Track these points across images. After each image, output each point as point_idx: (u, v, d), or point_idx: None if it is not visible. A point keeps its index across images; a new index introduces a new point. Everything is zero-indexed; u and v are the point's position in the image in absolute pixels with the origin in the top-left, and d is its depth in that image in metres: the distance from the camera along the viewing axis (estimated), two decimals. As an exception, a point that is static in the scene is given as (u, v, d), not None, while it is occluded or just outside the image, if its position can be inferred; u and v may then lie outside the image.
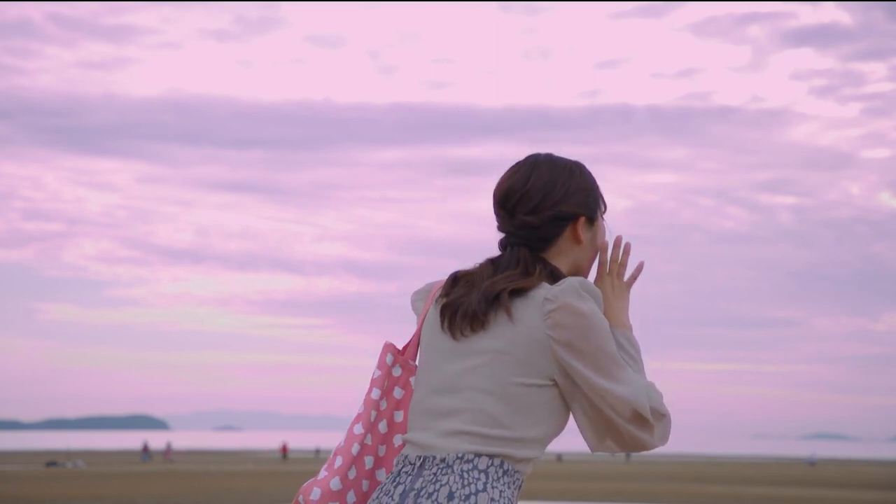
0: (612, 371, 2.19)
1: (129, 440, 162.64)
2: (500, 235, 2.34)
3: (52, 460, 61.81)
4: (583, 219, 2.31)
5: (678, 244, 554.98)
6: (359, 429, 2.31)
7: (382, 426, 2.36)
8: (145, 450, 69.41)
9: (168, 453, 70.66)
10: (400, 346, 2.41)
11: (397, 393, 2.38)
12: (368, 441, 2.33)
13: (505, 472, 2.16)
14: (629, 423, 2.20)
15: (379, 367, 2.37)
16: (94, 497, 27.36)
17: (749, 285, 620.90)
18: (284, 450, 74.99)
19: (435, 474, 2.16)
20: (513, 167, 2.35)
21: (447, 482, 2.14)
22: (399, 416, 2.37)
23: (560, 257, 2.31)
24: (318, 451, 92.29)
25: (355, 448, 2.30)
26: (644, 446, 2.24)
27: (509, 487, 2.17)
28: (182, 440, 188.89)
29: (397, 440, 2.36)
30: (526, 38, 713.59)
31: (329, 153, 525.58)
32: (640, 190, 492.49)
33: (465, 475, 2.14)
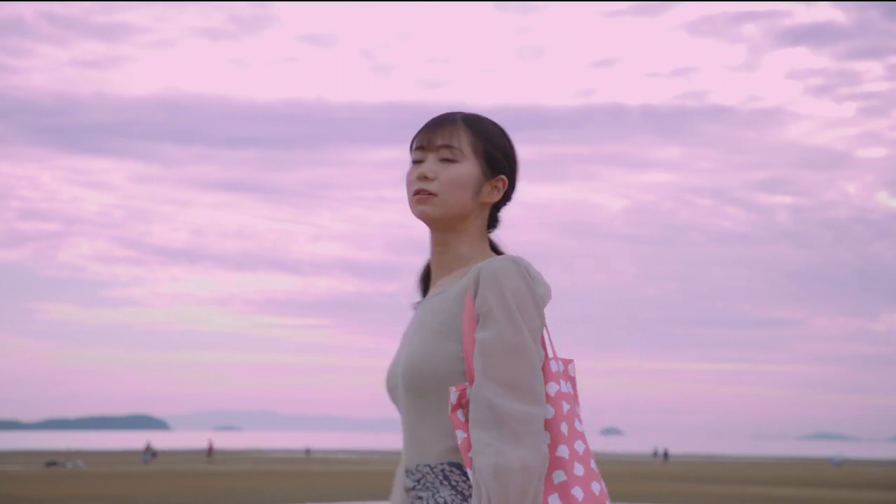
0: None
1: (129, 440, 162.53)
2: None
3: (52, 460, 61.77)
4: None
5: (676, 244, 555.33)
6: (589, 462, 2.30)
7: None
8: (146, 450, 69.25)
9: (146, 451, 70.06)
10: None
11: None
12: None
13: None
14: None
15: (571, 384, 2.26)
16: (94, 497, 27.36)
17: (748, 285, 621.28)
18: (210, 450, 70.24)
19: None
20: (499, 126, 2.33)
21: None
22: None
23: None
24: (308, 451, 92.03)
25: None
26: None
27: None
28: (182, 440, 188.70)
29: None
30: (520, 37, 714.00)
31: (323, 152, 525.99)
32: (637, 189, 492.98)
33: None
